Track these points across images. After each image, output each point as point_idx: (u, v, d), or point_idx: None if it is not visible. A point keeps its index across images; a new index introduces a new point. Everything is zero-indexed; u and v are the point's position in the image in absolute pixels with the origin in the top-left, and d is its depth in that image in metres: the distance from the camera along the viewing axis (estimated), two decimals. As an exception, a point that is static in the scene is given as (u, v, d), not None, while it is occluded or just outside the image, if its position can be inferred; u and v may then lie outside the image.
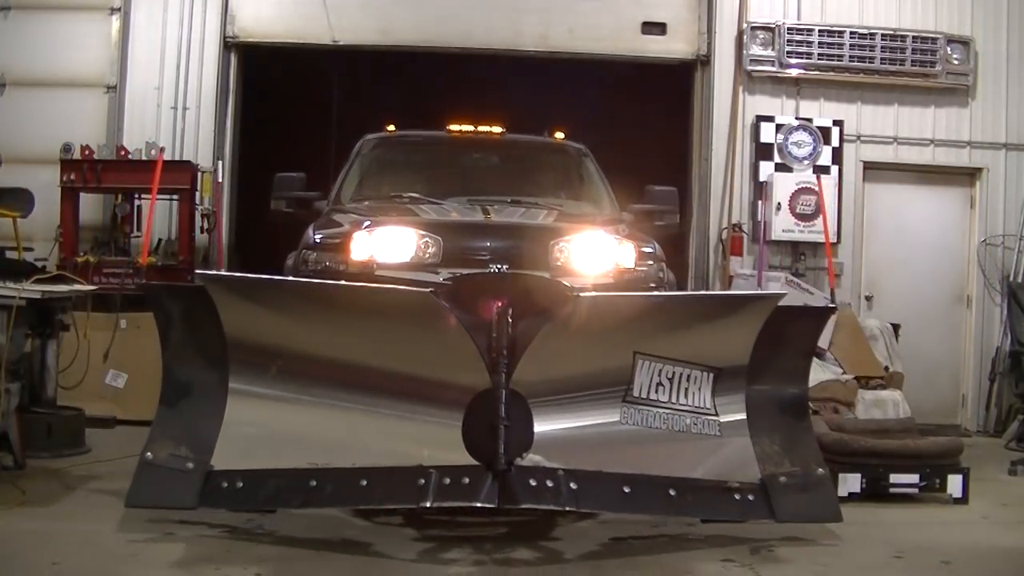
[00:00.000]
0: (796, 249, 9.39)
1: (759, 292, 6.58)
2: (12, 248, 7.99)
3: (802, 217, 9.24)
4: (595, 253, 6.06)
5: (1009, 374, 9.19)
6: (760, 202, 9.38)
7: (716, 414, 5.32)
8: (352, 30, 9.52)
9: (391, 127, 8.10)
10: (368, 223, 6.18)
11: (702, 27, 9.64)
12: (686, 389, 5.28)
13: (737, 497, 5.23)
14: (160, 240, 9.07)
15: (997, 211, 9.64)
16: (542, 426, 4.99)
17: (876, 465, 6.48)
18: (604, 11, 9.65)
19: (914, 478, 6.49)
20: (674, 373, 5.25)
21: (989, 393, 9.45)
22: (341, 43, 9.51)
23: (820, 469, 5.40)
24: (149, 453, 5.06)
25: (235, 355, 5.11)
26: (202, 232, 8.91)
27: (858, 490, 6.43)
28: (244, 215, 9.76)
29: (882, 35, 9.45)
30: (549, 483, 4.88)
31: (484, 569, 4.91)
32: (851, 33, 9.42)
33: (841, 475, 6.43)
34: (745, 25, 9.44)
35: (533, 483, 4.85)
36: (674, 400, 5.24)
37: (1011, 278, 9.47)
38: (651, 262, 6.30)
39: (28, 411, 6.80)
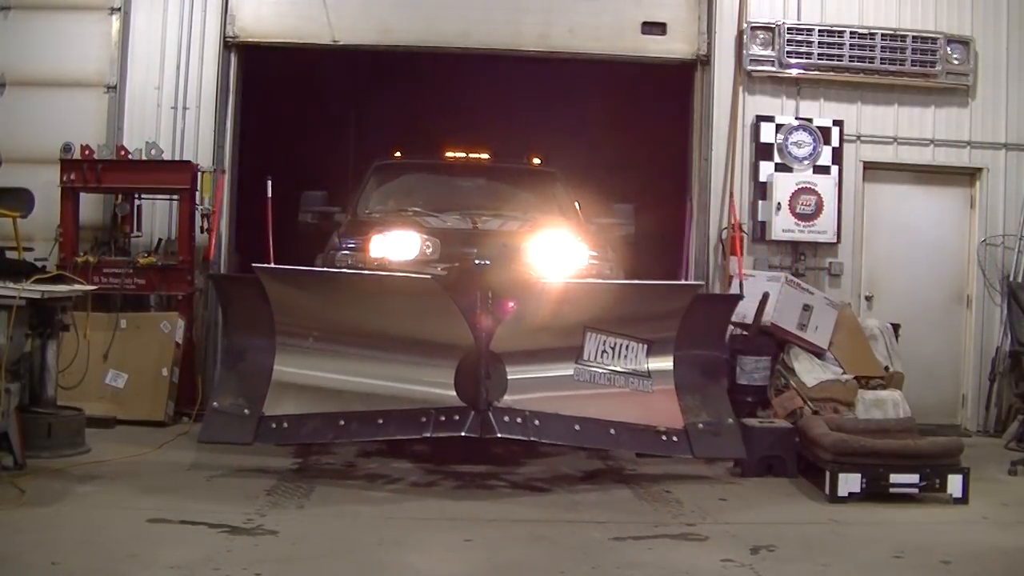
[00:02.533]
0: (796, 249, 9.38)
1: (683, 283, 7.74)
2: (12, 248, 7.98)
3: (802, 217, 9.23)
4: (557, 253, 7.59)
5: (1009, 374, 9.19)
6: (761, 202, 9.38)
7: (649, 375, 6.93)
8: (352, 30, 9.49)
9: (398, 153, 9.77)
10: (382, 229, 7.73)
11: (702, 27, 9.62)
12: (625, 356, 6.88)
13: (664, 438, 6.80)
14: (160, 240, 9.07)
15: (997, 211, 9.61)
16: (514, 379, 6.54)
17: (876, 465, 6.49)
18: (604, 11, 9.62)
19: (914, 478, 6.50)
20: (616, 343, 6.85)
21: (989, 393, 9.43)
22: (341, 43, 9.48)
23: (730, 419, 6.98)
24: (216, 403, 6.74)
25: (281, 328, 6.73)
26: (202, 232, 8.91)
27: (858, 490, 6.44)
28: (244, 215, 9.73)
29: (882, 35, 9.43)
30: (518, 420, 6.45)
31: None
32: (851, 33, 9.40)
33: (841, 475, 6.45)
34: (745, 25, 9.43)
35: (506, 420, 6.40)
36: (616, 363, 6.85)
37: (1011, 278, 9.45)
38: (601, 260, 7.86)
39: (28, 411, 6.81)
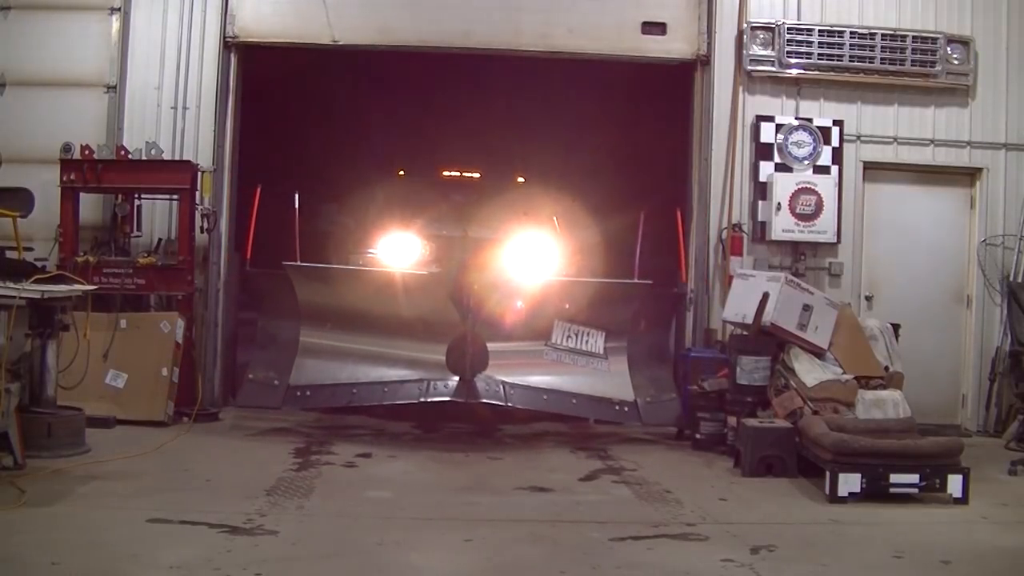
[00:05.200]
0: (796, 249, 9.38)
1: (636, 281, 8.68)
2: (12, 248, 7.98)
3: (802, 217, 9.23)
4: (533, 255, 9.30)
5: (1009, 374, 9.17)
6: (761, 202, 9.37)
7: (606, 357, 8.42)
8: (352, 30, 9.48)
9: (401, 172, 11.47)
10: (388, 235, 9.47)
11: (702, 27, 9.61)
12: (587, 340, 8.39)
13: (617, 408, 8.30)
14: (160, 240, 9.07)
15: (997, 211, 9.61)
16: (493, 356, 7.92)
17: (876, 465, 6.49)
18: (604, 11, 9.61)
19: (914, 478, 6.50)
20: (579, 330, 8.39)
21: (989, 393, 9.42)
22: (341, 43, 9.47)
23: (672, 394, 8.55)
24: (251, 375, 8.24)
25: (305, 314, 8.21)
26: (202, 232, 8.91)
27: (858, 490, 6.43)
28: (243, 214, 9.73)
29: (882, 35, 9.43)
30: (497, 388, 7.97)
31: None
32: (851, 33, 9.40)
33: (841, 475, 6.45)
34: (745, 25, 9.42)
35: (487, 388, 7.93)
36: (579, 346, 8.38)
37: (1011, 278, 9.45)
38: (570, 262, 9.65)
39: (28, 411, 6.80)
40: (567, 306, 8.41)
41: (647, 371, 8.51)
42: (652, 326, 8.68)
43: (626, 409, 8.28)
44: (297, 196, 8.48)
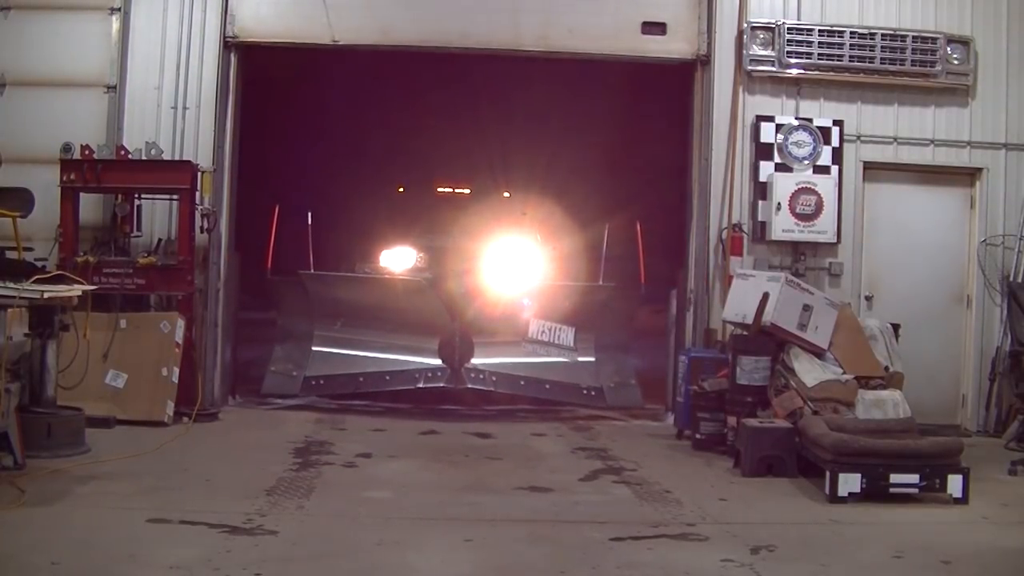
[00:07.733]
0: (796, 249, 9.38)
1: (601, 284, 9.99)
2: (12, 248, 7.98)
3: (802, 217, 9.22)
4: (516, 261, 10.86)
5: (1009, 374, 9.17)
6: (761, 202, 9.37)
7: (576, 349, 9.78)
8: (352, 30, 9.48)
9: (401, 188, 13.46)
10: (388, 246, 11.25)
11: (702, 27, 9.61)
12: (558, 335, 9.71)
13: (585, 392, 9.60)
14: (160, 240, 9.07)
15: (997, 211, 9.60)
16: (479, 348, 9.22)
17: (876, 465, 6.48)
18: (604, 11, 9.60)
19: (914, 478, 6.50)
20: (552, 327, 9.69)
21: (989, 393, 9.42)
22: (341, 43, 9.47)
23: (632, 381, 9.87)
24: (272, 367, 9.68)
25: (317, 315, 9.66)
26: (202, 232, 8.90)
27: (858, 490, 6.43)
28: (243, 214, 9.74)
29: (882, 35, 9.42)
30: (481, 376, 9.27)
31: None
32: (851, 33, 9.40)
33: (841, 475, 6.45)
34: (745, 25, 9.42)
35: (473, 375, 9.21)
36: (552, 340, 9.70)
37: (1011, 278, 9.44)
38: (548, 268, 11.25)
39: (28, 411, 6.80)
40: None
41: (611, 361, 9.79)
42: (616, 321, 9.89)
43: (593, 394, 9.56)
44: (311, 214, 9.61)
